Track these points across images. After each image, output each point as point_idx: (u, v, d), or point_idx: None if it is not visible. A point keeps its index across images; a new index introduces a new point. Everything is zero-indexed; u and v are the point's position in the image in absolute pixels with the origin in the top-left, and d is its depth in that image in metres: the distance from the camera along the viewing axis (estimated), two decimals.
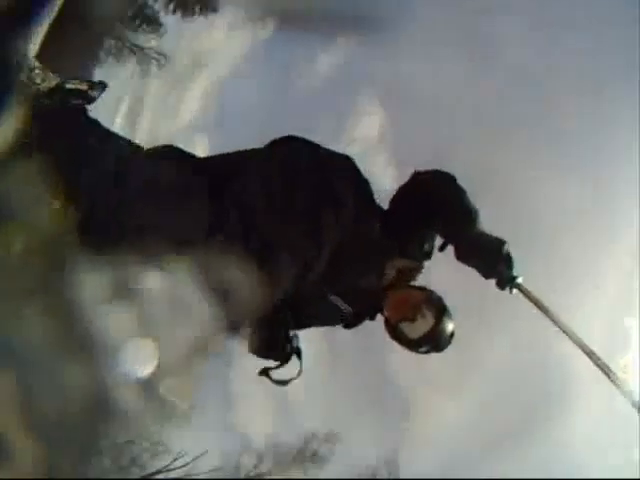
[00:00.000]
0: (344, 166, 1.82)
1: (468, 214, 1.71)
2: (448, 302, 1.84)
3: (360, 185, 1.82)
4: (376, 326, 1.89)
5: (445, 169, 1.79)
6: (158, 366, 1.68)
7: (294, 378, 1.79)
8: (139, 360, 1.67)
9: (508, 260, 1.66)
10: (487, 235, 1.68)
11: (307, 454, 11.77)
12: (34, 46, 1.96)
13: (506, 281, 1.67)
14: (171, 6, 11.85)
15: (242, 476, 11.42)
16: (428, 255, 1.84)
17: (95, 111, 1.84)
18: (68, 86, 1.83)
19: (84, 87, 1.82)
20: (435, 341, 1.80)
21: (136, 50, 12.10)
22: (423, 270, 1.88)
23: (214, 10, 12.03)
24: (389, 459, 11.63)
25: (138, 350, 1.65)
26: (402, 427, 12.51)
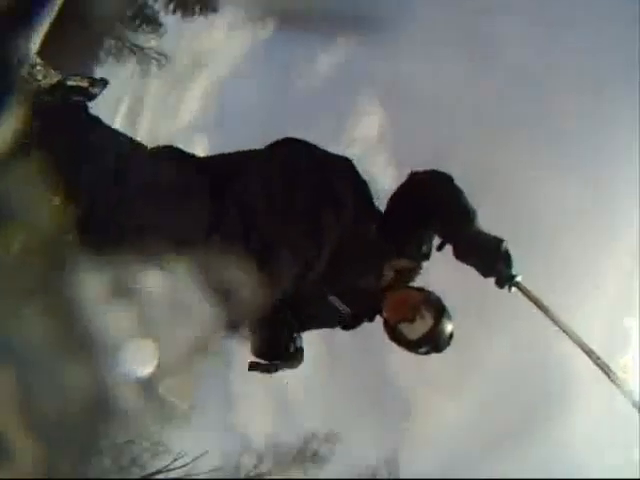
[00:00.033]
0: (343, 167, 1.82)
1: (466, 213, 1.71)
2: (447, 302, 1.84)
3: (359, 186, 1.82)
4: (375, 327, 1.89)
5: (445, 169, 1.79)
6: (158, 366, 1.68)
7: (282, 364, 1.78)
8: (139, 360, 1.67)
9: (507, 258, 1.66)
10: (485, 234, 1.68)
11: (307, 454, 11.76)
12: (34, 46, 1.96)
13: (505, 279, 1.67)
14: (171, 6, 11.84)
15: (242, 476, 11.42)
16: (426, 256, 1.84)
17: (95, 111, 1.84)
18: (69, 83, 1.82)
19: (85, 84, 1.82)
20: (434, 342, 1.80)
21: (136, 50, 12.09)
22: (422, 271, 1.88)
23: (214, 10, 12.02)
24: (389, 459, 11.62)
25: (138, 350, 1.65)
26: (402, 427, 12.50)
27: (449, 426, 12.34)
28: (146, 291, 1.60)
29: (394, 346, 1.84)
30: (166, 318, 1.62)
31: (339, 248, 1.74)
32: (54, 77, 1.95)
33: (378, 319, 1.88)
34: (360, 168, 1.84)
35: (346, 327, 1.93)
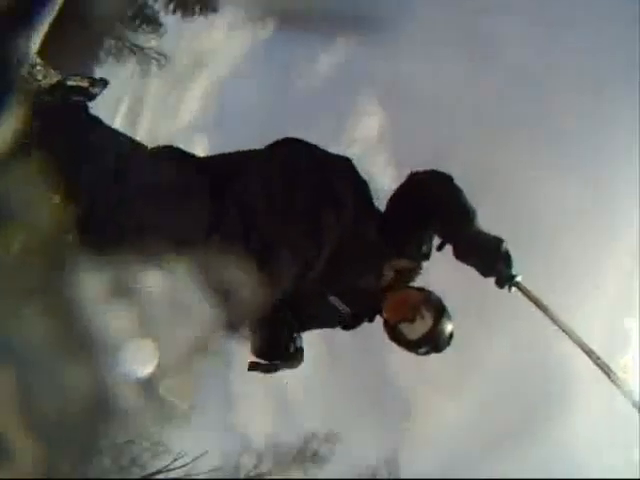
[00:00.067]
0: (343, 167, 1.82)
1: (465, 213, 1.71)
2: (447, 302, 1.84)
3: (359, 186, 1.82)
4: (375, 328, 1.89)
5: (445, 169, 1.79)
6: (158, 366, 1.68)
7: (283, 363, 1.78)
8: (139, 360, 1.67)
9: (507, 258, 1.66)
10: (485, 234, 1.69)
11: (307, 454, 11.76)
12: (34, 46, 1.96)
13: (505, 279, 1.67)
14: (171, 6, 11.85)
15: (242, 476, 11.42)
16: (426, 256, 1.84)
17: (95, 111, 1.84)
18: (69, 83, 1.82)
19: (85, 84, 1.82)
20: (434, 342, 1.80)
21: (136, 50, 12.10)
22: (422, 271, 1.88)
23: (214, 10, 12.02)
24: (389, 459, 11.63)
25: (138, 350, 1.65)
26: (402, 427, 12.50)
27: (449, 426, 12.35)
28: (146, 291, 1.60)
29: (394, 346, 1.84)
30: (166, 318, 1.62)
31: (339, 248, 1.73)
32: (54, 77, 1.95)
33: (378, 319, 1.88)
34: (360, 168, 1.84)
35: (346, 327, 1.93)
